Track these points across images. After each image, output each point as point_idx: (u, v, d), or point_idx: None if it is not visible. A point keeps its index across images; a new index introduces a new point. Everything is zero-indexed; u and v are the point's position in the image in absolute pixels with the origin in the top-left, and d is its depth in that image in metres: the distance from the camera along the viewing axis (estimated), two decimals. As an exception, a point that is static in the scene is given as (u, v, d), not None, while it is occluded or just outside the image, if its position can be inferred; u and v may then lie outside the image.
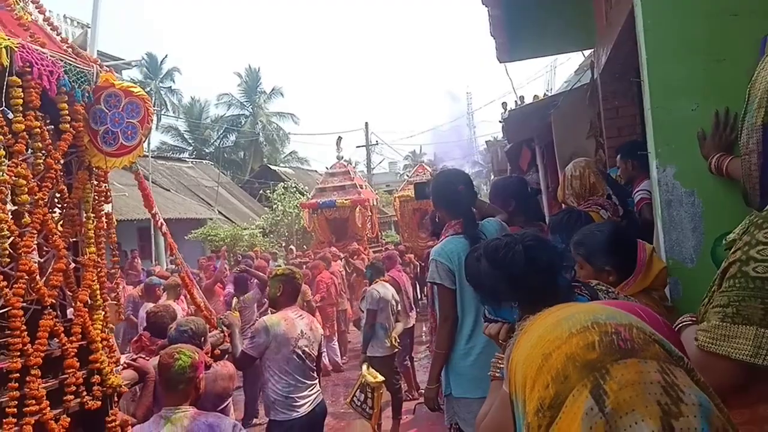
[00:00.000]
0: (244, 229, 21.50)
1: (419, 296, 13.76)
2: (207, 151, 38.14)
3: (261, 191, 29.22)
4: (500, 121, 16.35)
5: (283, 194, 23.37)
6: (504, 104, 18.58)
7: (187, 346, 2.97)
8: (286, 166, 37.17)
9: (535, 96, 14.09)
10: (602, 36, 5.01)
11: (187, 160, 32.95)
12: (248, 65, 40.72)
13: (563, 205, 3.81)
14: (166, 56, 38.37)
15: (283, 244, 20.43)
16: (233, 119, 39.25)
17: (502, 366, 1.77)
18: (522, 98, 13.87)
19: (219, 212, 25.05)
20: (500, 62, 7.15)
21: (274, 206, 23.17)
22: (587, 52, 7.79)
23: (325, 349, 8.82)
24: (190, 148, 38.51)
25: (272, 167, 34.40)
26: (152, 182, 20.30)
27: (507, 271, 1.64)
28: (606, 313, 0.94)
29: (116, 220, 3.27)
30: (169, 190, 24.15)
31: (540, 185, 8.27)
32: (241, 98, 39.47)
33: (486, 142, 23.16)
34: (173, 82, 38.18)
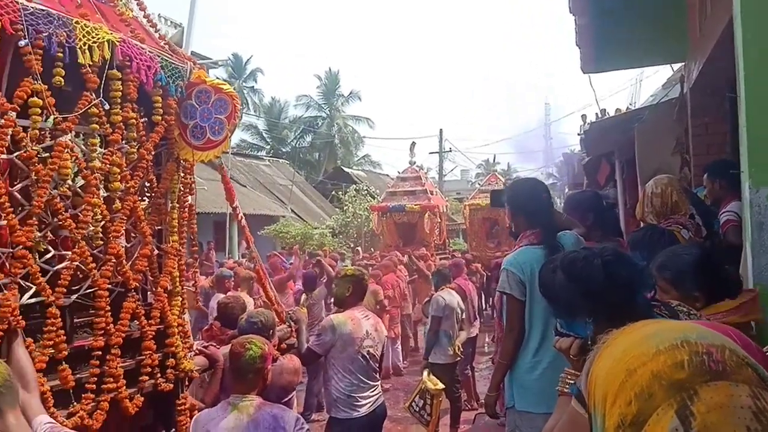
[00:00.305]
0: (315, 228, 21.87)
1: (484, 306, 13.59)
2: (284, 150, 39.01)
3: (333, 192, 29.65)
4: (579, 134, 15.96)
5: (354, 196, 23.62)
6: (584, 117, 18.10)
7: (257, 338, 3.03)
8: (359, 169, 37.55)
9: (617, 109, 13.64)
10: (695, 49, 4.82)
11: (264, 158, 33.81)
12: (328, 68, 41.34)
13: (641, 223, 3.68)
14: (250, 57, 39.58)
15: (352, 245, 20.64)
16: (310, 120, 39.98)
17: (571, 381, 1.72)
18: (604, 111, 13.50)
19: (292, 210, 25.60)
20: (584, 73, 7.00)
21: (345, 208, 23.45)
22: (676, 66, 7.52)
23: (391, 351, 8.87)
24: (268, 146, 39.46)
25: (345, 169, 34.83)
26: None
27: (584, 286, 1.59)
28: (697, 333, 0.91)
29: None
30: (245, 186, 24.86)
31: (617, 201, 8.02)
32: (319, 100, 40.17)
33: (563, 154, 22.64)
34: (255, 82, 39.35)
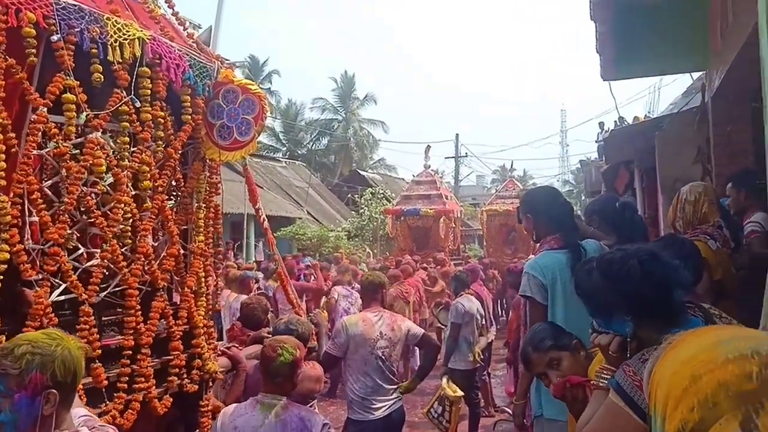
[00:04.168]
0: (331, 230, 21.89)
1: (500, 312, 13.53)
2: (300, 152, 39.06)
3: (349, 195, 29.67)
4: (596, 141, 15.86)
5: (370, 199, 23.64)
6: (601, 124, 17.99)
7: (290, 341, 2.98)
8: (374, 172, 37.54)
9: (636, 117, 13.54)
10: (716, 58, 4.77)
11: (281, 160, 33.88)
12: (344, 71, 41.27)
13: (661, 231, 3.63)
14: (267, 59, 39.69)
15: (367, 249, 20.65)
16: (326, 123, 40.02)
17: (607, 376, 1.72)
18: (622, 119, 13.40)
19: (308, 212, 25.62)
20: (604, 80, 6.94)
21: (361, 210, 23.47)
22: (696, 75, 7.44)
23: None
24: (284, 148, 39.53)
25: (361, 172, 34.85)
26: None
27: (621, 285, 1.62)
28: None
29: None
30: (262, 188, 24.90)
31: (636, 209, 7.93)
32: (335, 103, 40.22)
33: (580, 161, 22.50)
34: (272, 84, 39.44)
